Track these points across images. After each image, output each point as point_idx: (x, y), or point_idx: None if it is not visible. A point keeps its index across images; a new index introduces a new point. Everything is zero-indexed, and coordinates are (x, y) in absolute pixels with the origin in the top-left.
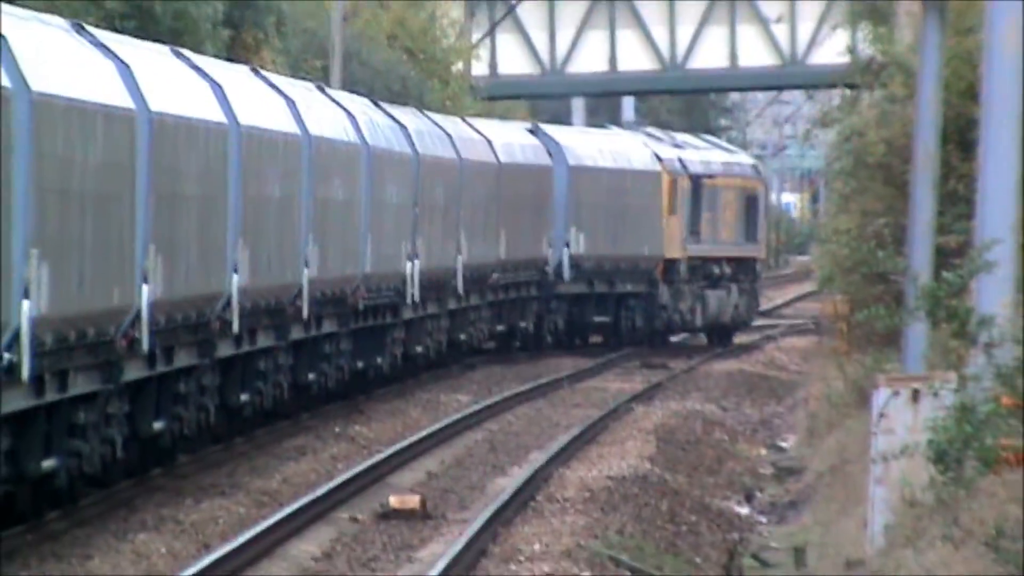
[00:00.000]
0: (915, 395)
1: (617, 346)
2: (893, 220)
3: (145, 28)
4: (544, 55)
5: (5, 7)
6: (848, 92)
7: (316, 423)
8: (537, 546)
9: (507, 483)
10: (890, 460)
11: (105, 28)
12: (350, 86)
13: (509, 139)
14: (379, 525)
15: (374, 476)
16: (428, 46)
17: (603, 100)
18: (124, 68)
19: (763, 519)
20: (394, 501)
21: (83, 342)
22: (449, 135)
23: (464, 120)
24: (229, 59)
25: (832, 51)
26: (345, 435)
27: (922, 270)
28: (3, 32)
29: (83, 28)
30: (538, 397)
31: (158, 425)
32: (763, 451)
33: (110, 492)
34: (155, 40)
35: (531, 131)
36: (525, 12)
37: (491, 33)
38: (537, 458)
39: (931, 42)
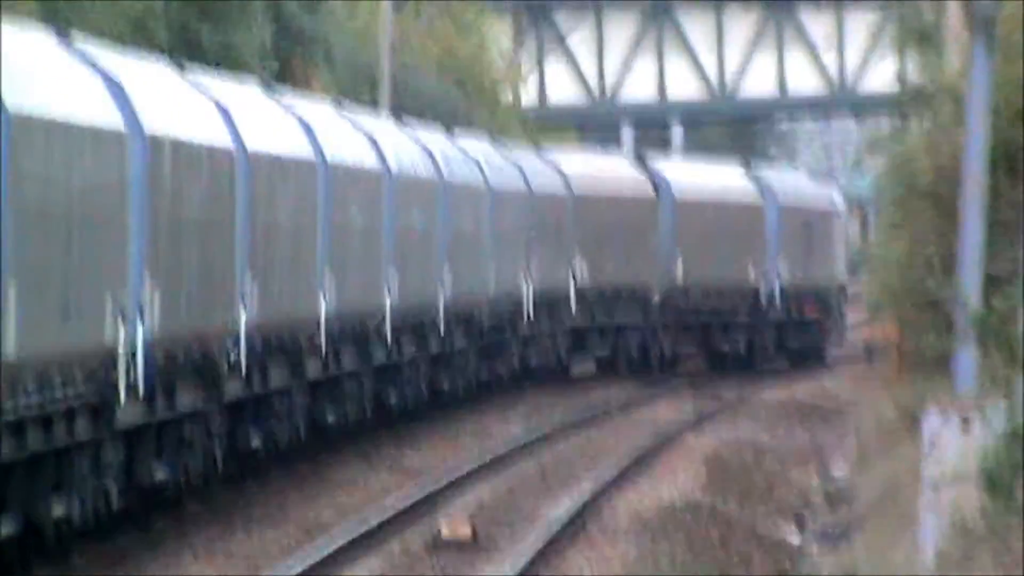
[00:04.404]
0: (966, 422)
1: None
2: (943, 247)
3: (192, 58)
4: (593, 83)
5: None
6: (898, 119)
7: (368, 450)
8: (589, 574)
9: (559, 511)
10: (941, 487)
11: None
12: (399, 114)
13: (691, 178)
14: (431, 553)
15: (425, 504)
16: (478, 76)
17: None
18: (306, 127)
19: (815, 546)
20: (445, 528)
21: (280, 345)
22: (563, 174)
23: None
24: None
25: (881, 77)
26: (398, 464)
27: (972, 297)
28: (228, 106)
29: (272, 88)
30: (589, 426)
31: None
32: (814, 478)
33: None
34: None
35: (742, 168)
36: (574, 41)
37: (540, 61)
38: (588, 486)
39: (979, 68)
